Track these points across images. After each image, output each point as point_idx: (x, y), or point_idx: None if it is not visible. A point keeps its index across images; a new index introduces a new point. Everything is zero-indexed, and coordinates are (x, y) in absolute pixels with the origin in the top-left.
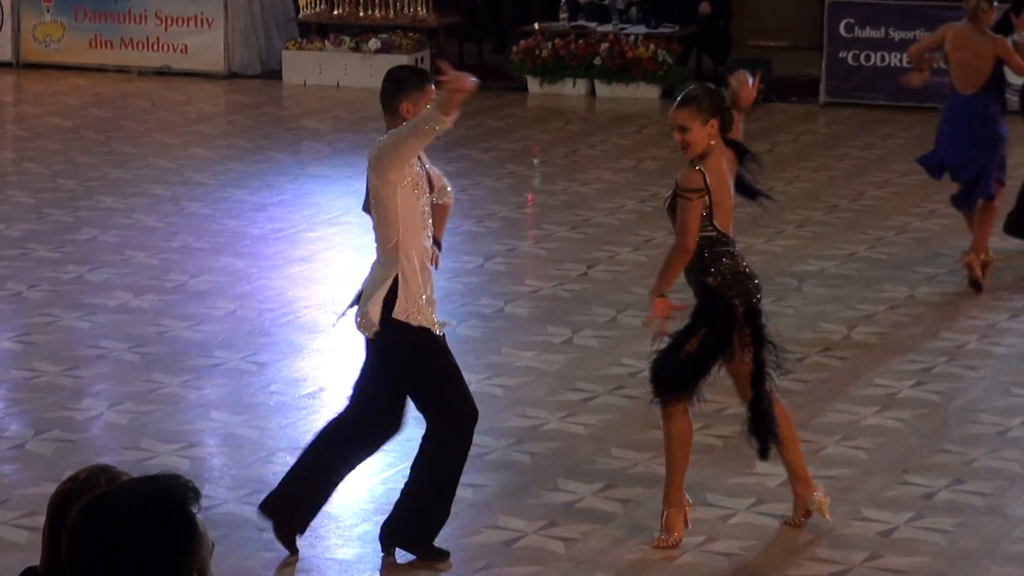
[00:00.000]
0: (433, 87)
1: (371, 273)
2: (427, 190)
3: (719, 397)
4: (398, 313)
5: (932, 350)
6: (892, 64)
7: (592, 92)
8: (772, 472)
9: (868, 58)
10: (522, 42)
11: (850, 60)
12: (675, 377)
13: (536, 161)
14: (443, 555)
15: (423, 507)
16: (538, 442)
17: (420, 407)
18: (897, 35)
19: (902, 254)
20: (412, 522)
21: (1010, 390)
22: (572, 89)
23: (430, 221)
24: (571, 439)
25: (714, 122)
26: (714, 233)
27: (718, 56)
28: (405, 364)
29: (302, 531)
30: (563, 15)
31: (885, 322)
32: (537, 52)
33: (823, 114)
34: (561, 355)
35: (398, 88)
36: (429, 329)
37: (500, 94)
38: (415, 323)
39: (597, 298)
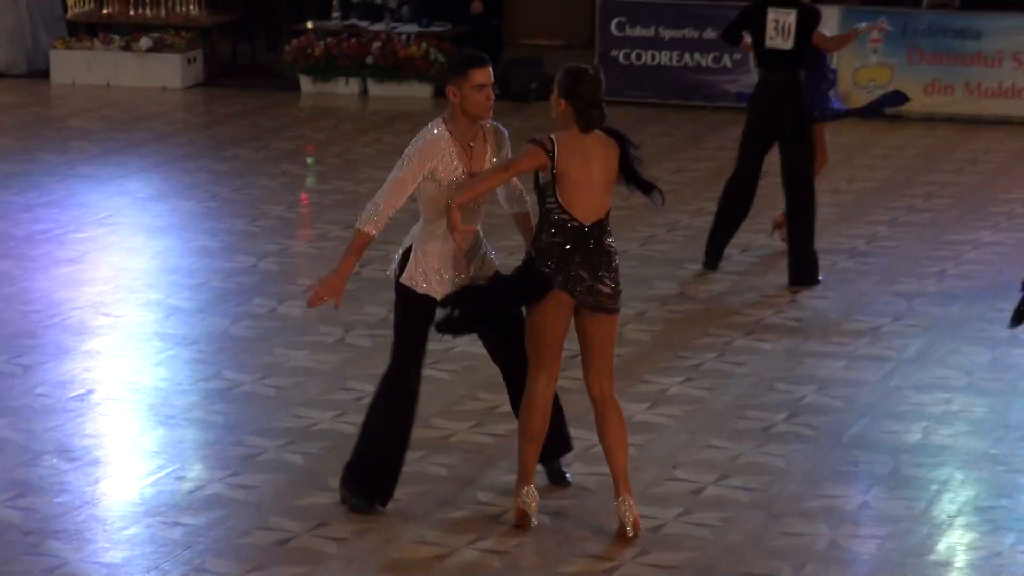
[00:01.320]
0: (478, 71)
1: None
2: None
3: (491, 396)
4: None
5: (701, 346)
6: (663, 63)
7: (365, 91)
8: (543, 469)
9: (639, 56)
10: (295, 41)
11: (621, 59)
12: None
13: (310, 160)
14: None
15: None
16: (310, 442)
17: None
18: (667, 34)
19: (673, 251)
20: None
21: (774, 386)
22: (345, 88)
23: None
24: (344, 439)
25: (563, 103)
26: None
27: (491, 55)
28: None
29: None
30: (335, 14)
31: (656, 319)
32: (310, 51)
33: None
34: (334, 355)
35: (448, 73)
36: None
37: (273, 93)
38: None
39: (369, 297)
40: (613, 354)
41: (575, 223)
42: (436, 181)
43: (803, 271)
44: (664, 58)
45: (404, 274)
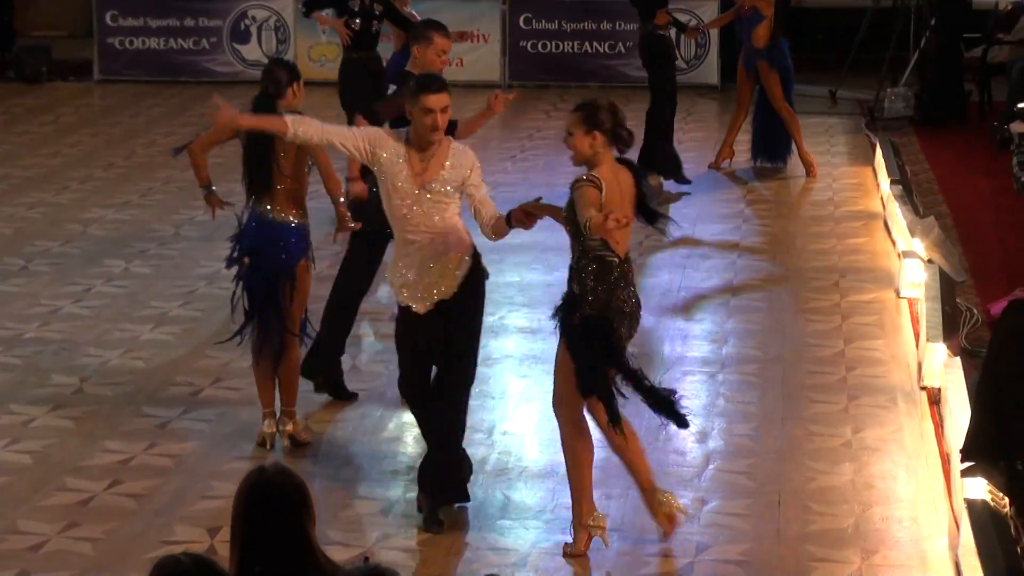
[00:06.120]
0: (430, 96)
1: None
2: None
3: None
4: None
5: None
6: (151, 47)
7: None
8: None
9: (132, 43)
10: None
11: (117, 44)
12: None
13: None
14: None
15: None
16: None
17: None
18: (154, 23)
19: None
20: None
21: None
22: None
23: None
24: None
25: (596, 134)
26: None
27: (5, 45)
28: None
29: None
30: None
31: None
32: None
33: (97, 90)
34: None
35: (409, 89)
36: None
37: None
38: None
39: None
40: None
41: (616, 258)
42: (378, 166)
43: None
44: (152, 43)
45: None
